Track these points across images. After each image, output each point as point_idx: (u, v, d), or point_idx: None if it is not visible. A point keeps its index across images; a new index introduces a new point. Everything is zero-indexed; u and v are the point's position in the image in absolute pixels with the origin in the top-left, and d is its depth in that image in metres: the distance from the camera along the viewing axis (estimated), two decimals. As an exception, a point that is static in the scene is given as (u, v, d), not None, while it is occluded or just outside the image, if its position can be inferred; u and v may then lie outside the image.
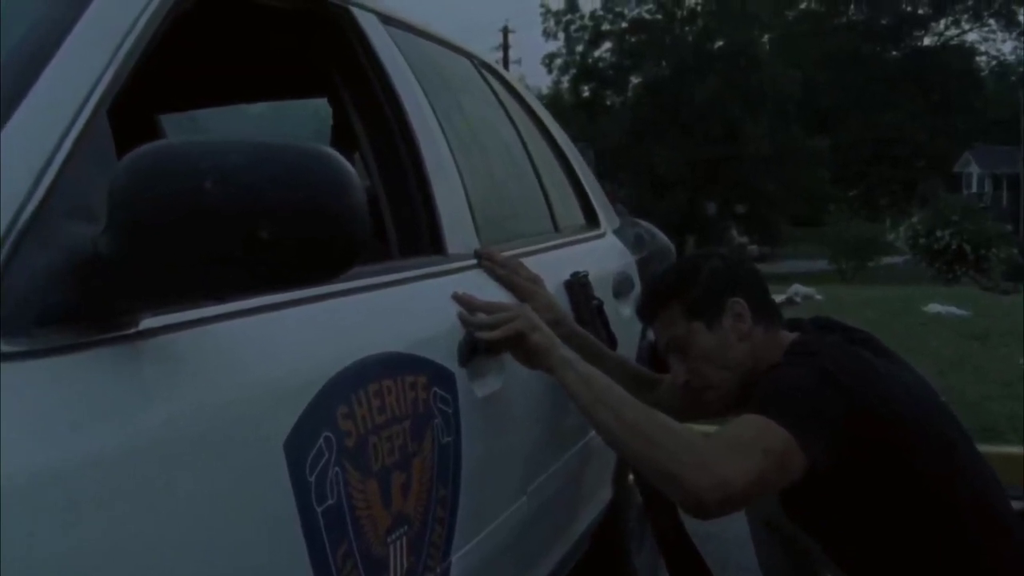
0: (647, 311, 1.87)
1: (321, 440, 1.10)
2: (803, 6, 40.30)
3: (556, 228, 2.38)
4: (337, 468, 1.13)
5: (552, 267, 2.04)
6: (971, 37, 41.69)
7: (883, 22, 39.47)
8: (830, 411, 1.55)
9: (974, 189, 36.40)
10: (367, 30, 1.68)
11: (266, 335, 1.10)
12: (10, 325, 0.81)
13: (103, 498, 0.81)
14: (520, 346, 1.59)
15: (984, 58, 42.48)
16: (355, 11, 1.66)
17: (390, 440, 1.26)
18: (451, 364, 1.47)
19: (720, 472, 1.45)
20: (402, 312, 1.44)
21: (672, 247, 3.26)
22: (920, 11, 40.17)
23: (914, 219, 20.92)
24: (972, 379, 5.24)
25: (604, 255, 2.53)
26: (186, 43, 1.52)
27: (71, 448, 0.80)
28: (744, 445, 1.49)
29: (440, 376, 1.43)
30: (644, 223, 3.17)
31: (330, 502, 1.11)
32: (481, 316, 1.58)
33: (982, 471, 1.72)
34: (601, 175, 3.00)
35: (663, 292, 1.83)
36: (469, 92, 2.24)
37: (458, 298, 1.58)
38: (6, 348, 0.80)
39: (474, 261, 1.76)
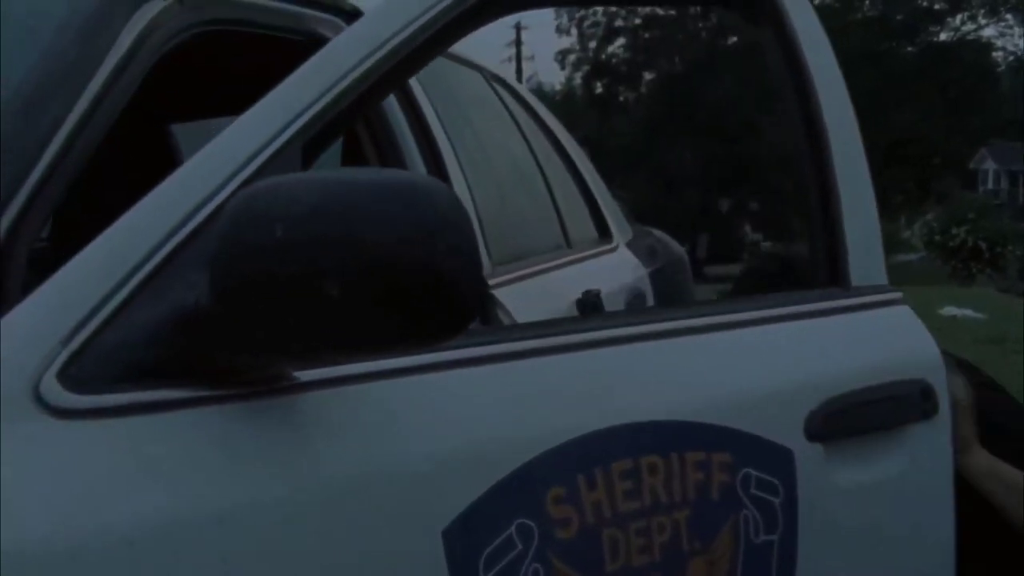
0: None
1: (512, 529, 0.95)
2: (817, 1, 40.11)
3: (568, 244, 2.34)
4: (537, 565, 0.97)
5: (564, 286, 2.00)
6: (987, 32, 41.41)
7: (898, 17, 39.23)
8: None
9: (990, 186, 36.17)
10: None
11: (433, 399, 0.97)
12: (121, 378, 0.80)
13: (224, 556, 0.79)
14: None
15: (1000, 53, 42.20)
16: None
17: (645, 534, 1.05)
18: (789, 439, 1.20)
19: None
20: (693, 367, 1.20)
21: (685, 256, 3.20)
22: (936, 6, 39.91)
23: (929, 216, 20.79)
24: (990, 386, 5.16)
25: (616, 270, 2.48)
26: (193, 54, 1.48)
27: (199, 503, 0.79)
28: None
29: (761, 453, 1.17)
30: (656, 232, 3.12)
31: None
32: None
33: None
34: (608, 175, 2.96)
35: None
36: (479, 106, 2.21)
37: None
38: (130, 399, 0.79)
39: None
